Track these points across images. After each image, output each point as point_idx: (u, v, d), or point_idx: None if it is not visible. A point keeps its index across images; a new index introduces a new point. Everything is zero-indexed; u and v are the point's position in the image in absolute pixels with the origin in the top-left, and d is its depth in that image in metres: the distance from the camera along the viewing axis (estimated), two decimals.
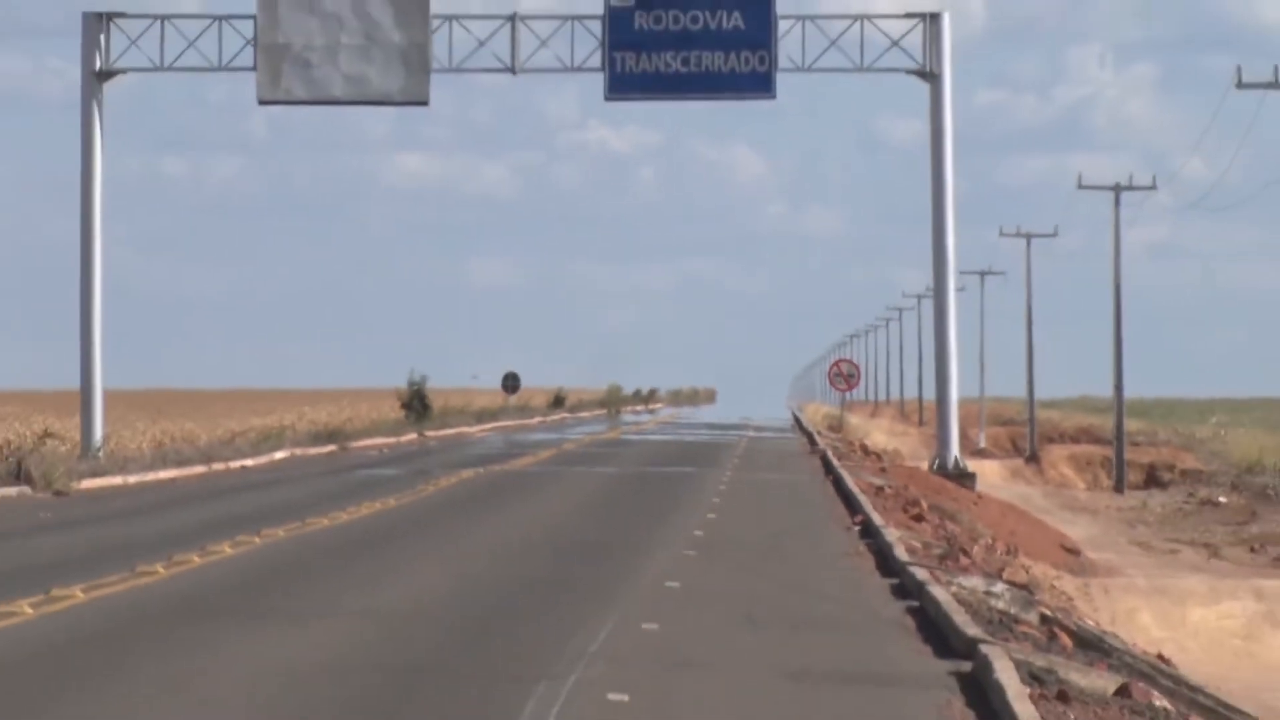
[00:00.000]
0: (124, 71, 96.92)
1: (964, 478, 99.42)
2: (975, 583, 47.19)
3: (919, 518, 66.27)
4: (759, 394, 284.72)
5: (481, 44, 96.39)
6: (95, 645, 35.41)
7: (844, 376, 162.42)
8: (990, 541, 64.70)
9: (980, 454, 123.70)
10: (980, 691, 31.08)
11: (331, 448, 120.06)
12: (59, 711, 30.65)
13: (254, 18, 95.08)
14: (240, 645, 35.69)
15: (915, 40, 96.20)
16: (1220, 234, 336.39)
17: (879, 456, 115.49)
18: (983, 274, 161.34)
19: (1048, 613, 45.04)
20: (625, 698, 30.62)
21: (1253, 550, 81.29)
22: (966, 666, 33.58)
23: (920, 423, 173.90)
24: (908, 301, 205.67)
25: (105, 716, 29.69)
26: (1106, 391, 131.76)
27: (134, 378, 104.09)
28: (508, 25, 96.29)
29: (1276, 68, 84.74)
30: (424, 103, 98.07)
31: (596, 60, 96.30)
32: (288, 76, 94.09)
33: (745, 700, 31.48)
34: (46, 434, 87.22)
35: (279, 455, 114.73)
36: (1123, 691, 33.28)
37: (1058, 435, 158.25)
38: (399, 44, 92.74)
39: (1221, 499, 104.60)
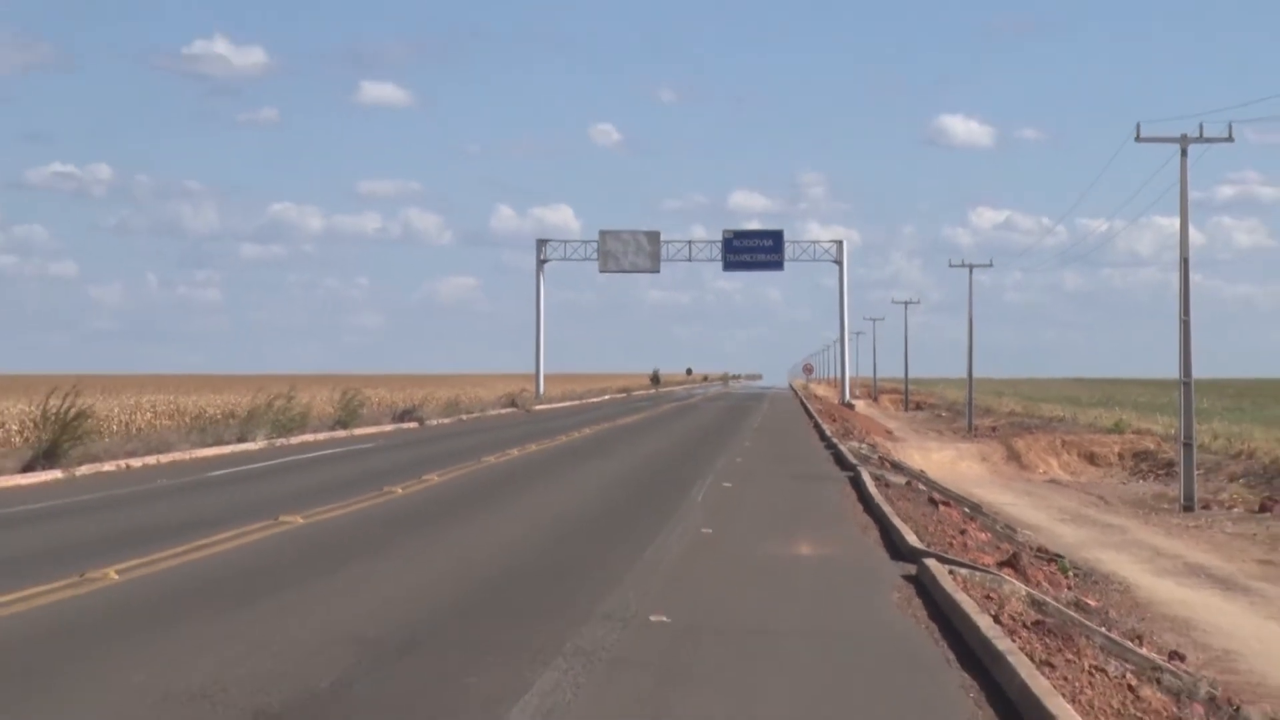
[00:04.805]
0: (551, 259, 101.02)
1: (850, 406, 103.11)
2: (855, 444, 47.58)
3: (834, 420, 68.11)
4: (777, 376, 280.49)
5: (679, 250, 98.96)
6: (536, 467, 33.83)
7: (809, 370, 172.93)
8: (860, 429, 64.88)
9: (857, 398, 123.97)
10: (857, 482, 30.01)
11: (624, 395, 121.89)
12: (529, 479, 30.14)
13: (598, 241, 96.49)
14: (586, 466, 33.71)
15: (833, 249, 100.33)
16: (942, 321, 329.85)
17: (820, 399, 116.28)
18: (857, 334, 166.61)
19: (881, 455, 45.11)
20: (730, 485, 28.89)
21: (954, 432, 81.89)
22: (851, 474, 32.60)
23: (838, 386, 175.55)
24: (832, 341, 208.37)
25: (529, 488, 27.89)
26: (900, 374, 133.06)
27: (553, 367, 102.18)
28: (687, 244, 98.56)
29: (971, 267, 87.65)
30: (657, 271, 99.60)
31: (719, 255, 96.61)
32: (609, 262, 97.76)
33: (776, 487, 29.28)
34: (522, 390, 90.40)
35: (605, 397, 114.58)
36: (908, 484, 32.67)
37: (887, 390, 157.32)
38: (649, 250, 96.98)
39: (943, 414, 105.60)
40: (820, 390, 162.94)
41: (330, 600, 14.17)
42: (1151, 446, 58.39)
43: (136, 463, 33.79)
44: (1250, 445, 51.32)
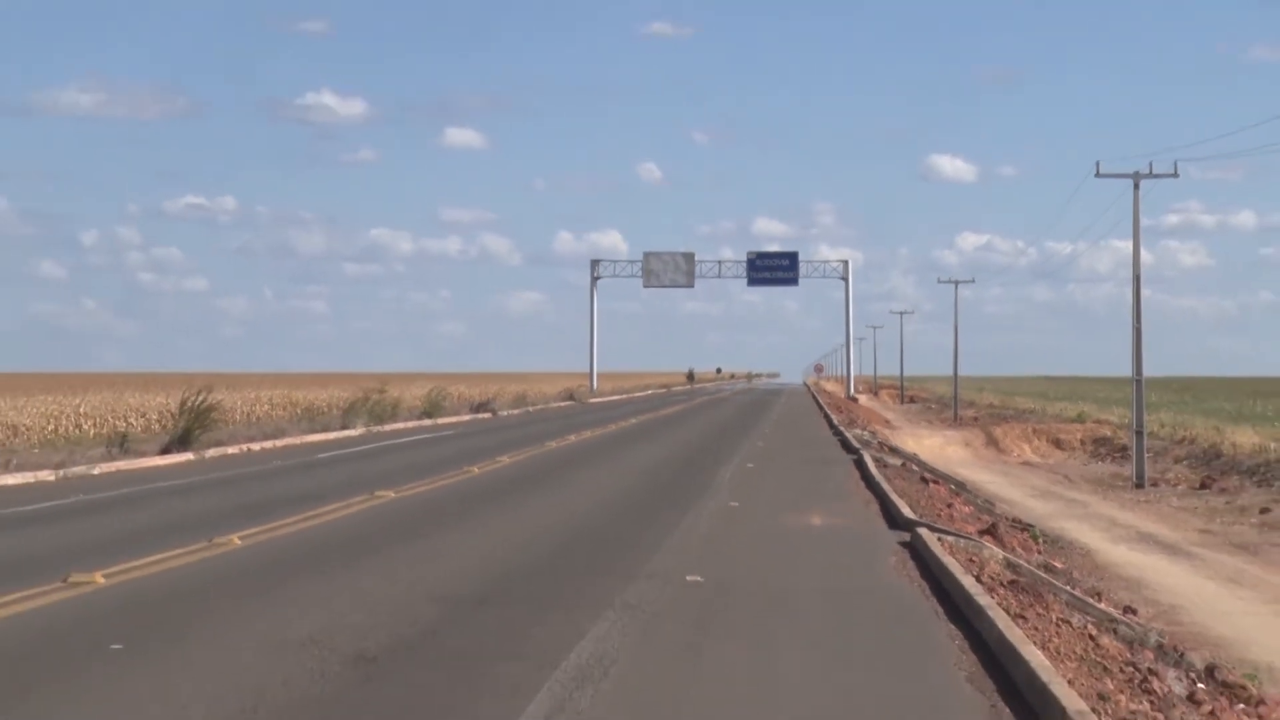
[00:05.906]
0: (603, 276, 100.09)
1: (854, 400, 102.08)
2: (859, 431, 45.84)
3: (840, 411, 66.89)
4: (793, 374, 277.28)
5: (710, 268, 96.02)
6: (590, 451, 32.76)
7: (819, 369, 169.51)
8: (862, 419, 63.81)
9: (860, 393, 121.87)
10: (860, 464, 29.27)
11: (664, 390, 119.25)
12: (585, 460, 29.53)
13: (642, 261, 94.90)
14: (633, 450, 33.14)
15: (840, 268, 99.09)
16: (932, 328, 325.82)
17: (829, 394, 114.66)
18: (860, 339, 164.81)
19: (881, 441, 43.32)
20: (752, 466, 28.50)
21: (943, 421, 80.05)
22: (855, 456, 31.85)
23: (844, 383, 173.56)
24: (839, 345, 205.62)
25: (585, 469, 27.26)
26: (897, 372, 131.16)
27: (604, 367, 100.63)
28: (717, 264, 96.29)
29: (957, 283, 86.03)
30: (692, 286, 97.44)
31: (744, 273, 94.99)
32: (651, 278, 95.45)
33: (792, 468, 28.87)
34: (579, 386, 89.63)
35: (648, 392, 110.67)
36: (903, 465, 31.71)
37: (886, 386, 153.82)
38: (685, 268, 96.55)
39: (933, 406, 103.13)
40: (829, 386, 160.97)
41: (417, 563, 14.10)
42: (1109, 434, 57.47)
43: (256, 446, 33.78)
44: (1192, 433, 50.72)
